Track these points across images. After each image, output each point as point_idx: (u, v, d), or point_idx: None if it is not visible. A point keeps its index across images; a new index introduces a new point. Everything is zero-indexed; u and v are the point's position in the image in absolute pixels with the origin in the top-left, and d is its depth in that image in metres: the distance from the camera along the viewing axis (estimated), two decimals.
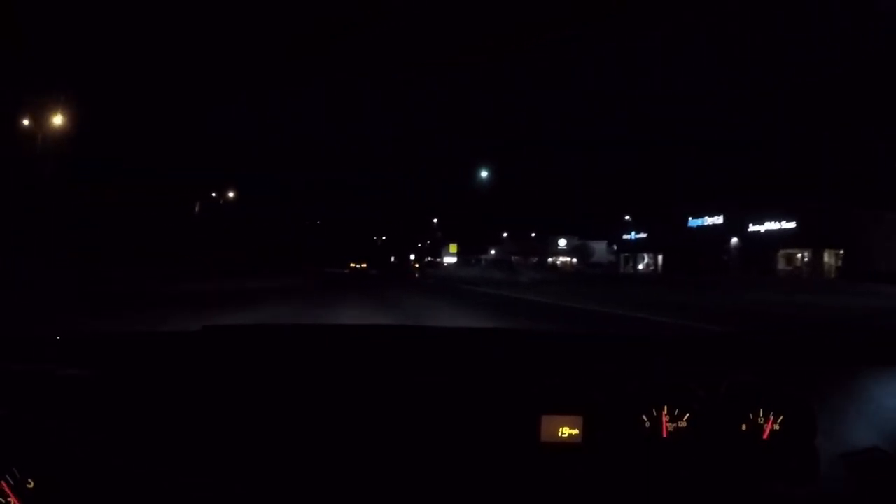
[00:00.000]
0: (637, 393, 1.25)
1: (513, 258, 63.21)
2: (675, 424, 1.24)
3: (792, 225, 36.34)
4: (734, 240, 39.85)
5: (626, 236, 54.76)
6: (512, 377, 1.30)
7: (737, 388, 1.25)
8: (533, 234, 78.41)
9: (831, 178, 35.73)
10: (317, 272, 37.84)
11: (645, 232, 51.19)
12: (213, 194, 38.52)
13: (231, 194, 40.53)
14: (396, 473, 1.16)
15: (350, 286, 19.43)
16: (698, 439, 1.22)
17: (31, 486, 1.04)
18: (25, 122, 20.83)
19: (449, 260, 66.59)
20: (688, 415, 1.24)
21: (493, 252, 78.78)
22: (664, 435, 1.24)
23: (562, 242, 72.06)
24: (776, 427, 1.23)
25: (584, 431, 1.23)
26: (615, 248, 58.87)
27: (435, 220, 72.93)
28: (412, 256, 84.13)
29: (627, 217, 54.81)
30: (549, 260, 69.26)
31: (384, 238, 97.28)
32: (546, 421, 1.22)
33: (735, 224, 39.65)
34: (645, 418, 1.24)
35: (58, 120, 20.83)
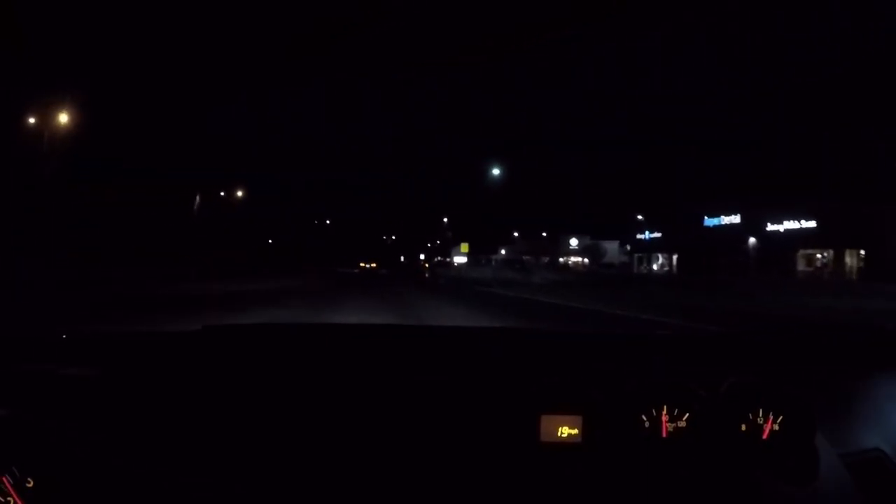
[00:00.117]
0: (637, 392, 1.26)
1: (524, 258, 62.66)
2: (674, 424, 1.25)
3: (812, 224, 35.32)
4: (752, 240, 38.92)
5: (639, 236, 53.92)
6: (512, 376, 1.31)
7: (737, 388, 1.26)
8: (544, 234, 77.73)
9: (832, 178, 35.39)
10: (328, 272, 37.78)
11: (659, 231, 50.33)
12: (222, 193, 38.65)
13: (239, 193, 40.60)
14: (397, 473, 1.16)
15: (364, 288, 19.15)
16: (698, 439, 1.23)
17: (31, 485, 1.06)
18: (31, 120, 20.86)
19: (459, 260, 66.18)
20: (687, 414, 1.25)
21: (503, 252, 78.32)
22: (664, 435, 1.25)
23: (573, 242, 71.32)
24: (776, 427, 1.24)
25: (583, 431, 1.24)
26: (628, 247, 58.08)
27: (445, 220, 72.60)
28: (422, 256, 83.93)
29: (640, 217, 53.91)
30: (561, 260, 68.51)
31: (393, 238, 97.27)
32: (546, 420, 1.23)
33: (753, 223, 38.92)
34: (644, 418, 1.25)
35: (63, 119, 20.82)
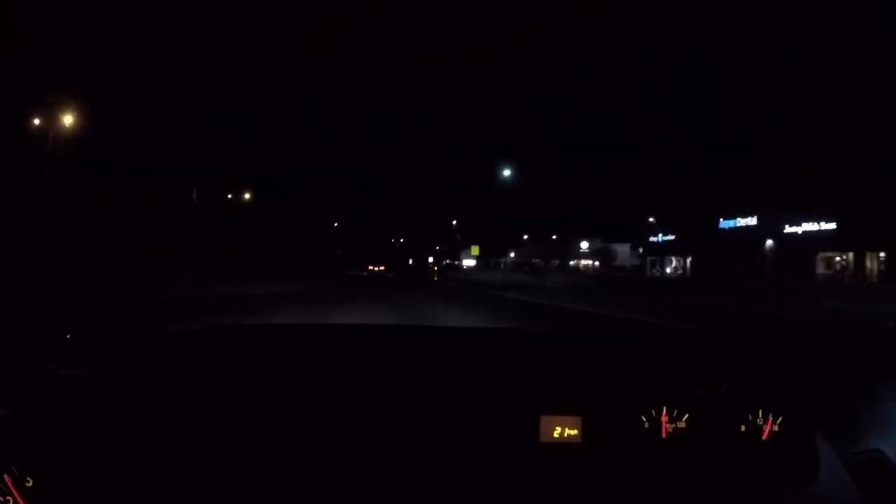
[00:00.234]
0: (637, 393, 1.27)
1: (533, 261, 62.19)
2: (674, 425, 1.26)
3: (832, 226, 34.42)
4: (769, 242, 38.07)
5: (652, 238, 53.16)
6: (512, 377, 1.32)
7: (736, 389, 1.27)
8: (553, 237, 77.08)
9: (832, 178, 35.06)
10: (336, 275, 37.66)
11: (672, 234, 49.50)
12: (229, 196, 38.72)
13: (247, 196, 40.68)
14: (397, 473, 1.18)
15: (372, 293, 18.44)
16: (698, 439, 1.24)
17: (31, 484, 1.08)
18: (36, 122, 20.89)
19: (468, 263, 65.90)
20: (687, 415, 1.26)
21: (512, 255, 77.90)
22: (664, 435, 1.26)
23: (583, 245, 70.54)
24: (776, 427, 1.25)
25: (583, 431, 1.25)
26: (640, 250, 57.30)
27: (454, 222, 72.38)
28: (430, 259, 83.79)
29: (651, 219, 53.20)
30: (571, 263, 67.79)
31: (401, 240, 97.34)
32: (546, 421, 1.25)
33: (770, 225, 38.07)
34: (644, 418, 1.26)
35: (67, 119, 20.83)
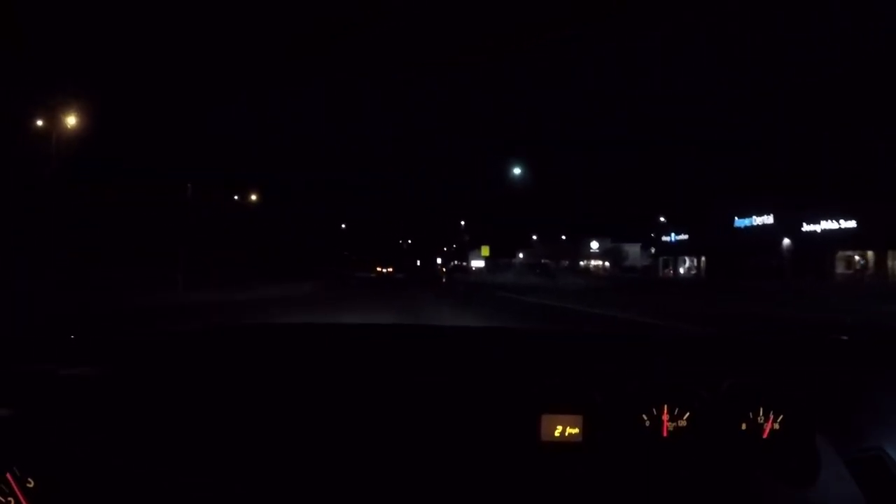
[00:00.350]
0: (637, 393, 1.29)
1: (542, 261, 61.64)
2: (675, 424, 1.28)
3: (852, 224, 33.57)
4: (786, 241, 37.26)
5: (665, 238, 52.36)
6: (512, 377, 1.34)
7: (737, 388, 1.28)
8: (563, 237, 76.40)
9: (832, 178, 34.31)
10: (343, 276, 37.49)
11: (686, 233, 48.70)
12: (236, 197, 38.66)
13: (253, 197, 40.59)
14: (397, 473, 1.19)
15: (380, 296, 17.99)
16: (698, 439, 1.26)
17: (32, 485, 1.09)
18: (39, 123, 20.85)
19: (477, 264, 65.48)
20: (688, 414, 1.27)
21: (521, 255, 77.42)
22: (664, 435, 1.27)
23: (594, 245, 69.76)
24: (776, 427, 1.26)
25: (584, 431, 1.26)
26: (652, 250, 56.54)
27: (462, 223, 72.03)
28: (438, 260, 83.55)
29: (662, 219, 52.47)
30: (582, 263, 67.08)
31: (409, 241, 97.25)
32: (546, 420, 1.26)
33: (788, 224, 37.31)
34: (645, 418, 1.28)
35: (70, 120, 20.74)
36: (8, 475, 1.08)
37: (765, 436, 1.25)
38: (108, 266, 19.48)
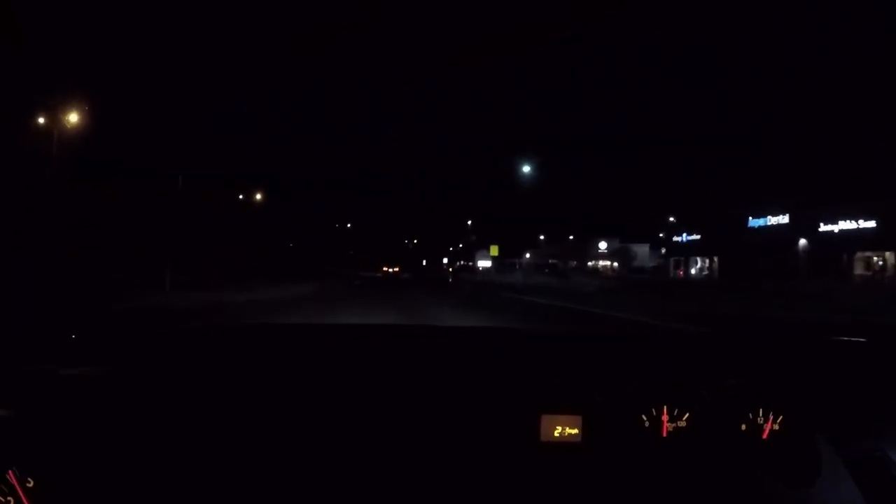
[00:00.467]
0: (637, 393, 1.30)
1: (550, 261, 61.45)
2: (674, 424, 1.29)
3: (871, 224, 33.23)
4: (802, 241, 36.92)
5: (676, 238, 52.06)
6: (512, 377, 1.35)
7: (737, 388, 1.30)
8: (570, 237, 76.14)
9: (831, 178, 33.89)
10: (350, 276, 37.64)
11: (698, 233, 48.38)
12: (241, 196, 38.83)
13: (258, 196, 40.77)
14: (397, 473, 1.21)
15: (385, 295, 17.90)
16: (698, 439, 1.27)
17: (31, 485, 1.10)
18: (41, 120, 21.08)
19: (483, 264, 65.37)
20: (688, 415, 1.29)
21: (527, 255, 77.22)
22: (664, 435, 1.28)
23: (602, 245, 69.45)
24: (776, 427, 1.27)
25: (583, 431, 1.27)
26: (663, 251, 56.22)
27: (469, 223, 71.96)
28: (445, 260, 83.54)
29: (672, 218, 52.16)
30: (590, 264, 66.81)
31: (415, 241, 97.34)
32: (546, 421, 1.27)
33: (804, 224, 36.96)
34: (645, 418, 1.29)
35: (72, 119, 20.95)
36: (10, 473, 1.09)
37: (765, 436, 1.27)
38: (108, 266, 19.60)
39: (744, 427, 1.27)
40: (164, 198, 26.77)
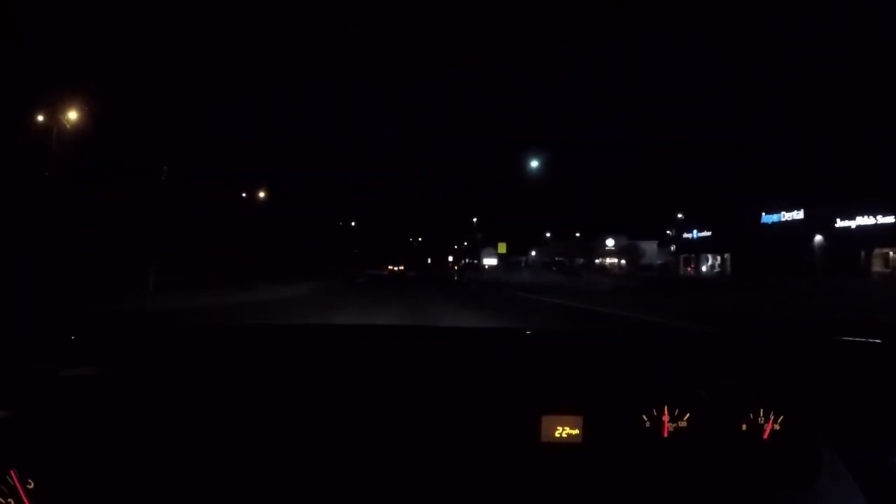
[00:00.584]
0: (637, 393, 1.32)
1: (556, 259, 61.31)
2: (675, 424, 1.30)
3: (890, 220, 32.88)
4: (817, 238, 36.61)
5: (686, 235, 51.78)
6: (512, 377, 1.37)
7: (737, 388, 1.31)
8: (577, 234, 75.94)
9: (831, 178, 33.71)
10: (354, 276, 37.67)
11: (709, 230, 48.10)
12: (244, 195, 39.00)
13: (262, 194, 40.92)
14: (397, 473, 1.22)
15: (389, 295, 17.75)
16: (698, 439, 1.28)
17: (32, 485, 1.11)
18: (40, 118, 21.24)
19: (489, 262, 65.27)
20: (688, 415, 1.30)
21: (533, 253, 77.06)
22: (664, 435, 1.30)
23: (609, 242, 69.17)
24: (777, 428, 1.29)
25: (584, 431, 1.29)
26: (672, 248, 55.94)
27: (475, 220, 71.90)
28: (450, 258, 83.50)
29: (680, 215, 51.87)
30: (597, 261, 66.57)
31: (420, 240, 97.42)
32: (546, 421, 1.28)
33: (819, 219, 36.65)
34: (645, 418, 1.30)
35: (73, 118, 21.11)
36: (11, 473, 1.11)
37: (765, 436, 1.28)
38: (109, 266, 19.67)
39: (744, 427, 1.28)
40: (164, 198, 26.98)
